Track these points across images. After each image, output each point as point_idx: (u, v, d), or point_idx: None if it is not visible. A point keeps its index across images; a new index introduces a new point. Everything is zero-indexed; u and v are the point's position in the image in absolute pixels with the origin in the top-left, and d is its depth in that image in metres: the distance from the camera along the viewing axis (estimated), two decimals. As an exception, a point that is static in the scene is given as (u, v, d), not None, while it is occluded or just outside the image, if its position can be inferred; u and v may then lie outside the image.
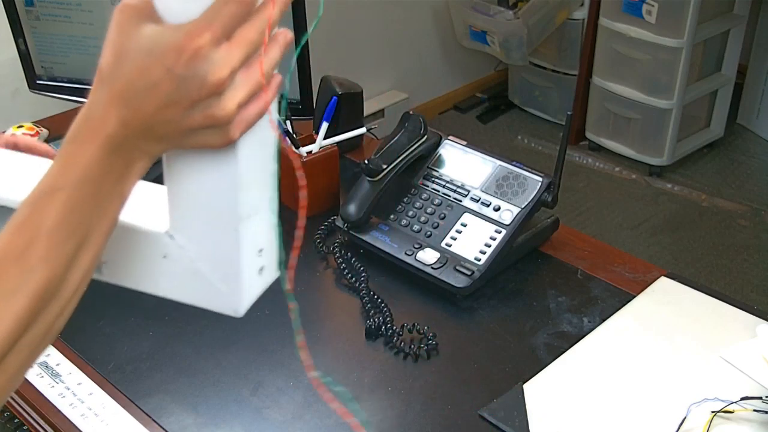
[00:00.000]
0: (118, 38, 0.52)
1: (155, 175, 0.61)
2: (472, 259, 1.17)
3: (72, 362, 1.06)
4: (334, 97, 1.39)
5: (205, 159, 0.57)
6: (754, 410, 0.96)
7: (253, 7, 0.52)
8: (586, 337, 1.09)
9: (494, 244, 1.18)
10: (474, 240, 1.19)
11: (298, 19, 1.34)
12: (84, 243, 0.55)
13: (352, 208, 1.24)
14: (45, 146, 0.72)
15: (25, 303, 0.53)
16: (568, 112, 1.19)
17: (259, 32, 0.52)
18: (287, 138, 1.34)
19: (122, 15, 0.52)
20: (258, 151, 0.60)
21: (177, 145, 0.55)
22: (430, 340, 1.08)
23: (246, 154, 0.57)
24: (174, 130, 0.53)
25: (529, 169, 1.23)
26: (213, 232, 0.60)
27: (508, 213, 1.20)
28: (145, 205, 0.64)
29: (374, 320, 1.10)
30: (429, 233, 1.22)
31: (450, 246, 1.20)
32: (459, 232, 1.21)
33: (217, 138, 0.54)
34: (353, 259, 1.22)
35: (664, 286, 1.18)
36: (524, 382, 1.02)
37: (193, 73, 0.50)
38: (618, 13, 2.83)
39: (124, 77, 0.52)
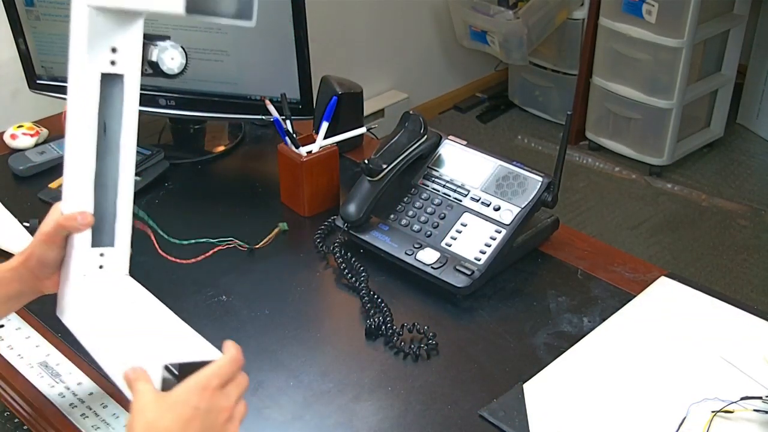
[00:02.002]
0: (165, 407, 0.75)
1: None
2: (472, 259, 1.17)
3: (72, 362, 1.06)
4: (334, 97, 1.39)
5: None
6: (754, 410, 0.96)
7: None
8: (586, 337, 1.09)
9: (494, 243, 1.18)
10: (474, 240, 1.19)
11: (297, 18, 1.34)
12: None
13: (352, 208, 1.24)
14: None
15: None
16: (568, 112, 1.18)
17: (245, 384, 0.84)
18: (287, 138, 1.35)
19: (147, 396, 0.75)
20: None
21: None
22: (430, 340, 1.08)
23: None
24: None
25: (529, 169, 1.23)
26: None
27: (508, 213, 1.20)
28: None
29: (374, 320, 1.10)
30: (429, 233, 1.22)
31: (450, 246, 1.20)
32: (459, 231, 1.21)
33: None
34: (353, 259, 1.22)
35: (664, 286, 1.18)
36: (524, 382, 1.02)
37: (212, 405, 0.76)
38: (618, 13, 2.83)
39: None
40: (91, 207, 0.90)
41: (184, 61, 0.90)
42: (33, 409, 1.01)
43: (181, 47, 0.92)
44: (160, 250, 1.21)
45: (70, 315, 0.94)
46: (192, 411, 0.74)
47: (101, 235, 0.92)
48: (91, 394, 1.01)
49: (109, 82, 0.87)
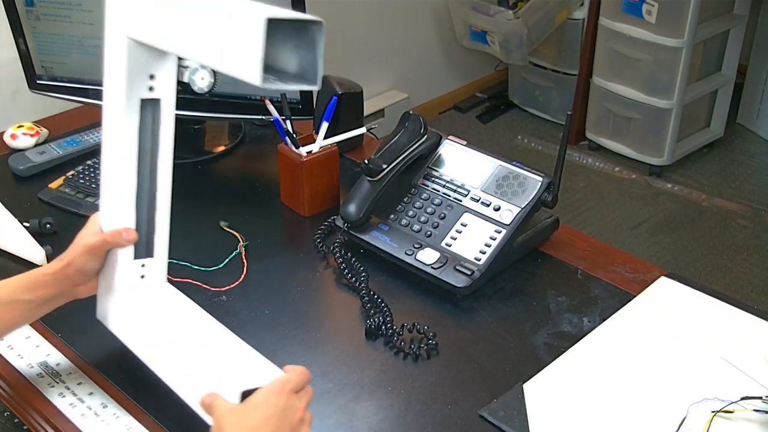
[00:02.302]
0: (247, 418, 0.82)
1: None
2: (472, 259, 1.17)
3: (72, 362, 1.06)
4: (334, 97, 1.39)
5: None
6: (754, 410, 0.96)
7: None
8: (586, 337, 1.09)
9: (494, 243, 1.18)
10: (474, 240, 1.19)
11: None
12: None
13: (352, 208, 1.24)
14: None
15: None
16: (568, 112, 1.18)
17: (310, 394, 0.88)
18: (287, 138, 1.35)
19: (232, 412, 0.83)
20: None
21: None
22: (430, 340, 1.08)
23: None
24: None
25: (529, 169, 1.23)
26: None
27: (508, 213, 1.20)
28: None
29: (374, 320, 1.10)
30: (429, 233, 1.22)
31: (450, 246, 1.20)
32: (459, 231, 1.21)
33: None
34: (353, 259, 1.22)
35: (664, 286, 1.18)
36: (524, 382, 1.02)
37: (288, 404, 0.82)
38: (618, 13, 2.83)
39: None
40: (133, 223, 0.95)
41: (213, 80, 0.92)
42: (33, 409, 1.01)
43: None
44: (210, 288, 1.19)
45: (117, 323, 0.99)
46: (272, 408, 0.81)
47: (142, 248, 0.97)
48: (90, 393, 1.01)
49: (147, 105, 0.90)
